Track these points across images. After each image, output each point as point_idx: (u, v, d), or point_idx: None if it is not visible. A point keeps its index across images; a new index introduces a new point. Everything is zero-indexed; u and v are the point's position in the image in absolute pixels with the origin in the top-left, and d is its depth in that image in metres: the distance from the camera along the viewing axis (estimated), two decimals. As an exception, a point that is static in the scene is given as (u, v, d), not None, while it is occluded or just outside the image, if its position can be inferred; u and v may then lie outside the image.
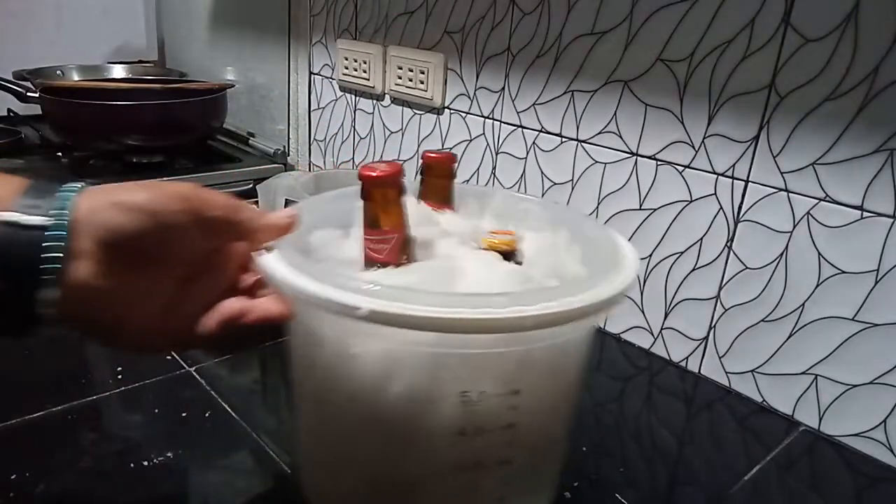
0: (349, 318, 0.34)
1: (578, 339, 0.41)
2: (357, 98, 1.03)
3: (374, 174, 0.44)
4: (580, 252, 0.48)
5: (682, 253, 0.67)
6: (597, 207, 0.74)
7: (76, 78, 1.35)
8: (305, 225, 0.46)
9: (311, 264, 0.38)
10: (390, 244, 0.45)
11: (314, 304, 0.35)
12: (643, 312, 0.72)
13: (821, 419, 0.60)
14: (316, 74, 1.11)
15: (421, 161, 0.55)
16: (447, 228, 0.51)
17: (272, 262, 0.38)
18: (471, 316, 0.33)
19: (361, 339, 0.37)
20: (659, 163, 0.67)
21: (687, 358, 0.69)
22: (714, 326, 0.66)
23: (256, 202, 0.78)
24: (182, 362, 0.63)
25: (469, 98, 0.85)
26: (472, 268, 0.44)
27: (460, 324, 0.33)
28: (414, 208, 0.50)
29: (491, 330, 0.34)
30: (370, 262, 0.46)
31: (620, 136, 0.70)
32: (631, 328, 0.74)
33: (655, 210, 0.69)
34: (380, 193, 0.45)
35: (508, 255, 0.48)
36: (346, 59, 1.01)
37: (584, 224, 0.51)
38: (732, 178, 0.62)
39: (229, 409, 0.57)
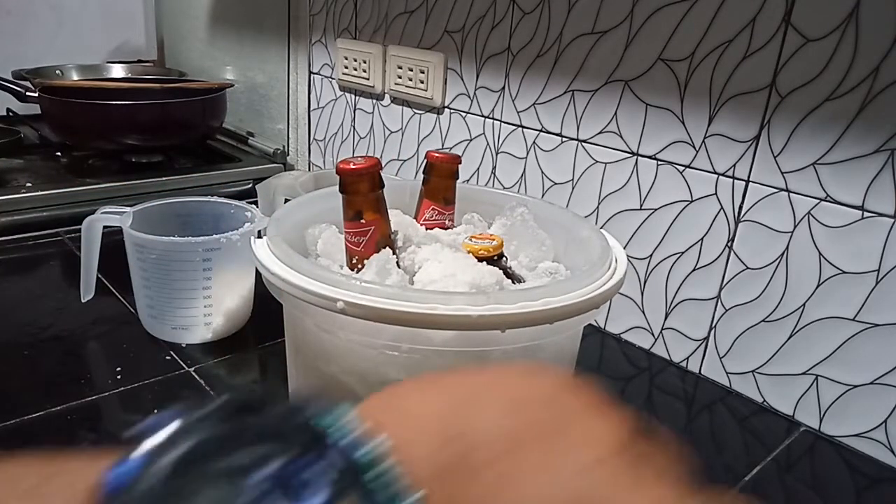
0: (327, 310, 0.34)
1: (561, 340, 0.41)
2: (357, 97, 1.03)
3: (350, 167, 0.45)
4: (570, 253, 0.48)
5: (682, 253, 0.67)
6: (597, 207, 0.73)
7: (75, 77, 1.35)
8: (300, 221, 0.47)
9: (296, 256, 0.38)
10: (367, 236, 0.46)
11: (297, 296, 0.35)
12: (643, 313, 0.72)
13: (821, 419, 0.60)
14: (315, 74, 1.10)
15: (425, 160, 0.55)
16: (433, 234, 0.52)
17: (262, 251, 0.39)
18: (447, 312, 0.33)
19: (340, 331, 0.37)
20: (659, 163, 0.67)
21: (687, 358, 0.69)
22: (715, 327, 0.66)
23: (256, 202, 0.78)
24: (181, 362, 0.63)
25: (469, 98, 0.85)
26: (434, 264, 0.44)
27: (432, 320, 0.33)
28: (400, 217, 0.50)
29: (465, 327, 0.34)
30: (350, 255, 0.46)
31: (621, 136, 0.70)
32: (631, 328, 0.74)
33: (656, 210, 0.68)
34: (356, 186, 0.45)
35: (492, 260, 0.48)
36: (346, 58, 1.01)
37: (577, 225, 0.51)
38: (733, 178, 0.62)
39: (229, 410, 0.56)
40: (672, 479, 0.19)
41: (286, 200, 0.72)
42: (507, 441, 0.18)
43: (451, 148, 0.89)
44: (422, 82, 0.90)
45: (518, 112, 0.79)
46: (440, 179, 0.56)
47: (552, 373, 0.21)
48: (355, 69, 1.00)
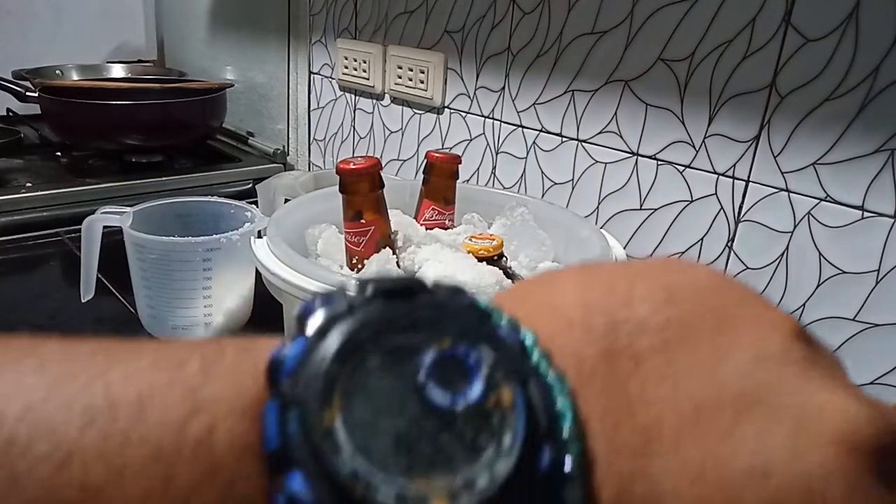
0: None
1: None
2: (357, 97, 1.03)
3: (350, 167, 0.45)
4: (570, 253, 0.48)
5: (682, 253, 0.67)
6: (597, 207, 0.73)
7: (75, 77, 1.35)
8: (300, 221, 0.47)
9: (296, 256, 0.38)
10: (367, 236, 0.46)
11: (297, 296, 0.35)
12: (643, 312, 0.72)
13: (821, 419, 0.60)
14: (315, 74, 1.10)
15: (425, 160, 0.55)
16: (433, 234, 0.52)
17: (262, 251, 0.39)
18: None
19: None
20: (659, 163, 0.67)
21: (687, 358, 0.69)
22: (714, 326, 0.66)
23: (256, 202, 0.78)
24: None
25: (469, 98, 0.85)
26: (434, 264, 0.44)
27: None
28: (399, 217, 0.50)
29: None
30: (350, 255, 0.46)
31: (621, 136, 0.70)
32: (631, 328, 0.73)
33: (656, 210, 0.68)
34: (356, 186, 0.45)
35: (492, 260, 0.48)
36: (346, 58, 1.01)
37: (577, 225, 0.51)
38: (733, 178, 0.62)
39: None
40: (849, 380, 0.17)
41: (286, 200, 0.72)
42: (671, 329, 0.16)
43: (451, 148, 0.89)
44: (422, 82, 0.90)
45: (518, 112, 0.79)
46: (440, 179, 0.56)
47: (703, 264, 0.19)
48: (355, 69, 1.00)
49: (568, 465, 0.14)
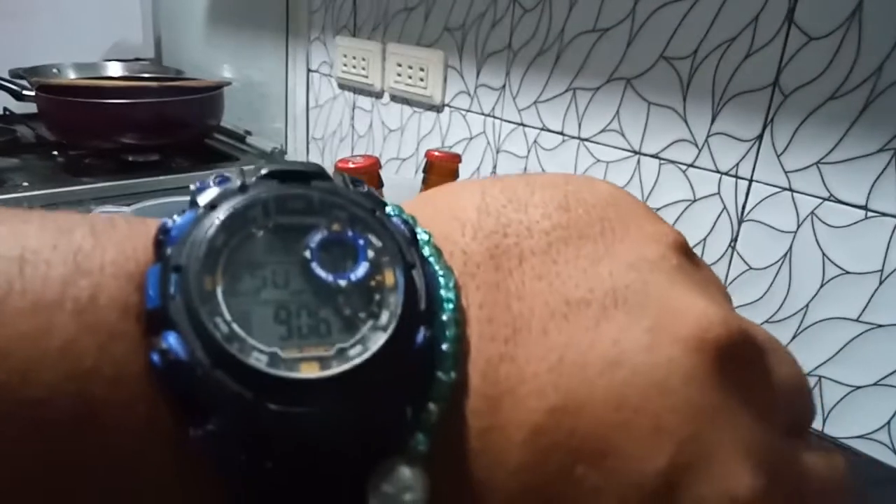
0: None
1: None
2: (355, 96, 1.03)
3: (349, 166, 0.45)
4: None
5: (684, 252, 0.67)
6: (598, 206, 0.73)
7: (72, 76, 1.34)
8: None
9: None
10: None
11: None
12: (645, 312, 0.72)
13: (824, 421, 0.60)
14: (314, 72, 1.10)
15: (425, 159, 0.55)
16: None
17: None
18: None
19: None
20: (662, 162, 0.67)
21: (689, 358, 0.69)
22: (717, 326, 0.66)
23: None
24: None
25: (469, 96, 0.85)
26: None
27: None
28: None
29: None
30: None
31: (623, 135, 0.70)
32: (632, 328, 0.73)
33: (658, 210, 0.68)
34: None
35: None
36: (345, 56, 1.00)
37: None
38: (736, 177, 0.62)
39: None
40: (721, 296, 0.18)
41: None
42: (557, 232, 0.17)
43: (451, 147, 0.89)
44: (421, 80, 0.89)
45: (519, 110, 0.79)
46: (440, 178, 0.56)
47: (605, 181, 0.20)
48: (354, 67, 0.99)
49: (443, 345, 0.15)
